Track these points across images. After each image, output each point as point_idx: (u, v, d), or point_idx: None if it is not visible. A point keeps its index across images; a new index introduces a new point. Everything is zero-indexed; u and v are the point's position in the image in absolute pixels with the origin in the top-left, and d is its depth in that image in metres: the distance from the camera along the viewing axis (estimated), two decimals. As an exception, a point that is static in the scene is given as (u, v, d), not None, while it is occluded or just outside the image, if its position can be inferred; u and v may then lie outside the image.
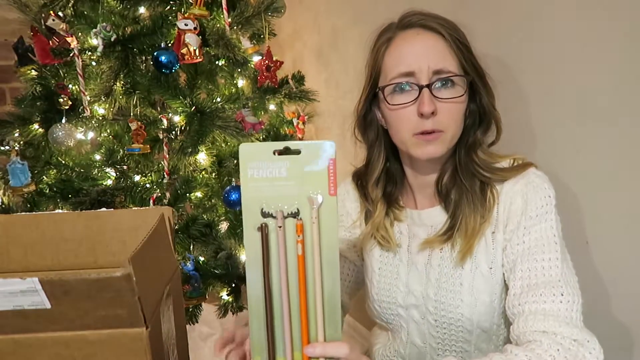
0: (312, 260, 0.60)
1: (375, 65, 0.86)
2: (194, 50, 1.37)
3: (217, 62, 1.54)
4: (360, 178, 0.97)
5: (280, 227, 0.60)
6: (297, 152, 0.59)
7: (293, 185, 0.59)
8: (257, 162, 0.59)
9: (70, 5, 1.43)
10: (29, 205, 1.44)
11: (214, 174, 1.61)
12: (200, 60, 1.40)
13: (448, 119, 0.81)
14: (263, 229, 0.60)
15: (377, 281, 0.92)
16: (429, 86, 0.79)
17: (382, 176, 0.92)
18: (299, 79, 1.70)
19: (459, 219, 0.83)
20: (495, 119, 0.87)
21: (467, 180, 0.84)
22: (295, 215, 0.60)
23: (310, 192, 0.59)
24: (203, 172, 1.60)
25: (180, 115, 1.46)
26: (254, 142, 1.55)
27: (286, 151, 0.59)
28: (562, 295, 0.73)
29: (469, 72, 0.83)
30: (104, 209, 1.04)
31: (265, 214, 0.60)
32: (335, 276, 0.60)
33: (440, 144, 0.82)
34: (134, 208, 1.40)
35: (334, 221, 0.59)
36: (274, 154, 0.59)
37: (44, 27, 1.36)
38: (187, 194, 1.53)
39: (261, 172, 0.59)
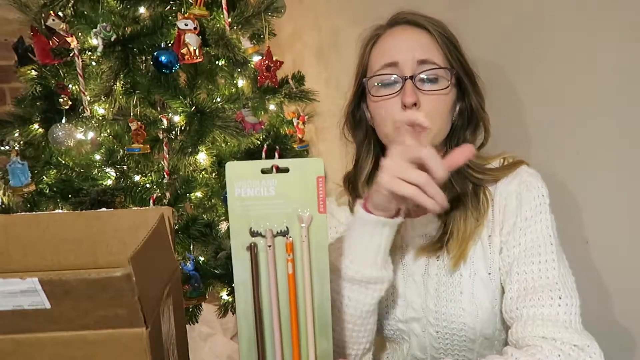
0: (302, 279, 0.59)
1: (362, 62, 0.87)
2: (194, 50, 1.37)
3: (217, 62, 1.54)
4: (350, 181, 0.94)
5: (269, 246, 0.59)
6: (285, 170, 0.58)
7: (282, 204, 0.58)
8: (244, 180, 0.57)
9: (70, 5, 1.43)
10: (29, 205, 1.43)
11: (214, 174, 1.61)
12: (200, 60, 1.39)
13: (431, 113, 0.80)
14: (252, 249, 0.59)
15: None
16: (412, 77, 0.79)
17: (373, 174, 0.90)
18: (299, 79, 1.70)
19: (450, 224, 0.82)
20: (483, 120, 0.86)
21: (458, 183, 0.83)
22: (284, 233, 0.59)
23: (299, 210, 0.58)
24: (203, 172, 1.60)
25: (180, 115, 1.46)
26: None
27: (273, 169, 0.58)
28: (560, 298, 0.73)
29: (454, 67, 0.82)
30: (104, 209, 1.04)
31: (254, 233, 0.59)
32: (326, 294, 0.59)
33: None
34: (134, 208, 1.40)
35: (324, 239, 0.58)
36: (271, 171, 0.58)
37: (44, 27, 1.35)
38: (187, 194, 1.53)
39: (249, 191, 0.58)
